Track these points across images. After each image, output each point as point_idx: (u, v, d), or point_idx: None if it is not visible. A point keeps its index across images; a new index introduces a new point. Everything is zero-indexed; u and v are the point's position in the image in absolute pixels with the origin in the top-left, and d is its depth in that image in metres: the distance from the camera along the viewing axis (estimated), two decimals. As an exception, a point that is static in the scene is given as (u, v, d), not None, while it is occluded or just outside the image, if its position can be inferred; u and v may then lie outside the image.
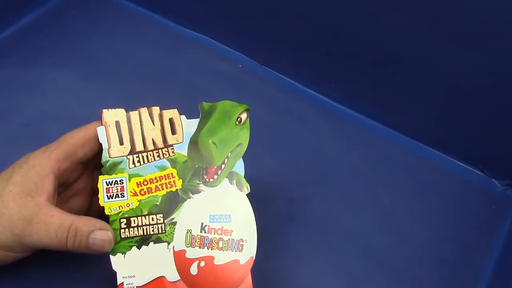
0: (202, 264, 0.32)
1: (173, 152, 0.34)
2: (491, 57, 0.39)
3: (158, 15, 0.56)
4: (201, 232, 0.33)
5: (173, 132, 0.34)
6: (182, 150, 0.34)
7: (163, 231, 0.32)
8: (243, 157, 0.34)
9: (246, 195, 0.34)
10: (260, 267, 0.33)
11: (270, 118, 0.48)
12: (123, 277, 0.31)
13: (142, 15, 0.56)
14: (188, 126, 0.34)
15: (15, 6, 0.52)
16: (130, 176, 0.33)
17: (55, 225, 0.30)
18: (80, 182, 0.35)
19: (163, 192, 0.33)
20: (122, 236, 0.32)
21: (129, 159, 0.33)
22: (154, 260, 0.32)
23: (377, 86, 0.47)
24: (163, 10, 0.55)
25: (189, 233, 0.33)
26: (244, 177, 0.34)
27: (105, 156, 0.33)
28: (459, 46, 0.40)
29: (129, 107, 0.34)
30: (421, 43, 0.41)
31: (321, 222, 0.42)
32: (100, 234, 0.30)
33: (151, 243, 0.32)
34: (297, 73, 0.51)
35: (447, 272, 0.40)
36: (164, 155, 0.33)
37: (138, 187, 0.33)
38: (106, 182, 0.32)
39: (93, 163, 0.35)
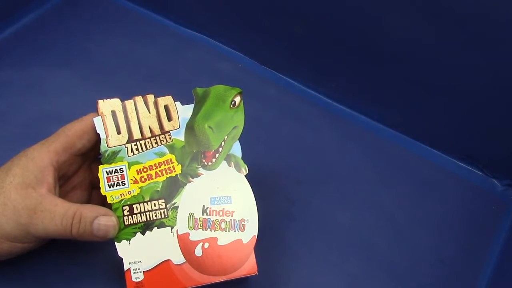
0: (206, 245, 0.33)
1: (170, 138, 0.34)
2: (491, 57, 0.39)
3: (158, 15, 0.56)
4: (203, 214, 0.33)
5: (169, 118, 0.34)
6: (179, 136, 0.34)
7: (166, 216, 0.33)
8: (239, 140, 0.35)
9: (245, 176, 0.34)
10: (260, 267, 0.33)
11: (270, 118, 0.48)
12: (130, 263, 0.32)
13: (142, 15, 0.56)
14: (184, 112, 0.34)
15: (15, 6, 0.52)
16: (130, 164, 0.33)
17: (60, 213, 0.30)
18: (78, 176, 0.35)
19: (163, 178, 0.33)
20: (126, 223, 0.32)
21: (127, 147, 0.33)
22: (159, 245, 0.32)
23: (377, 86, 0.47)
24: (163, 10, 0.55)
25: (191, 216, 0.33)
26: (242, 158, 0.35)
27: (103, 146, 0.33)
28: (459, 46, 0.40)
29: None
30: (422, 43, 0.41)
31: (321, 222, 0.42)
32: (104, 220, 0.31)
33: (155, 228, 0.33)
34: (297, 73, 0.51)
35: (447, 272, 0.40)
36: (162, 141, 0.34)
37: (138, 174, 0.33)
38: (106, 171, 0.33)
39: (91, 156, 0.35)
